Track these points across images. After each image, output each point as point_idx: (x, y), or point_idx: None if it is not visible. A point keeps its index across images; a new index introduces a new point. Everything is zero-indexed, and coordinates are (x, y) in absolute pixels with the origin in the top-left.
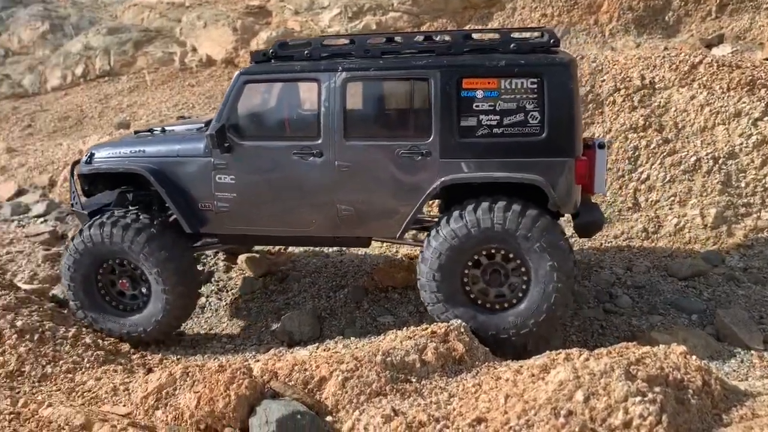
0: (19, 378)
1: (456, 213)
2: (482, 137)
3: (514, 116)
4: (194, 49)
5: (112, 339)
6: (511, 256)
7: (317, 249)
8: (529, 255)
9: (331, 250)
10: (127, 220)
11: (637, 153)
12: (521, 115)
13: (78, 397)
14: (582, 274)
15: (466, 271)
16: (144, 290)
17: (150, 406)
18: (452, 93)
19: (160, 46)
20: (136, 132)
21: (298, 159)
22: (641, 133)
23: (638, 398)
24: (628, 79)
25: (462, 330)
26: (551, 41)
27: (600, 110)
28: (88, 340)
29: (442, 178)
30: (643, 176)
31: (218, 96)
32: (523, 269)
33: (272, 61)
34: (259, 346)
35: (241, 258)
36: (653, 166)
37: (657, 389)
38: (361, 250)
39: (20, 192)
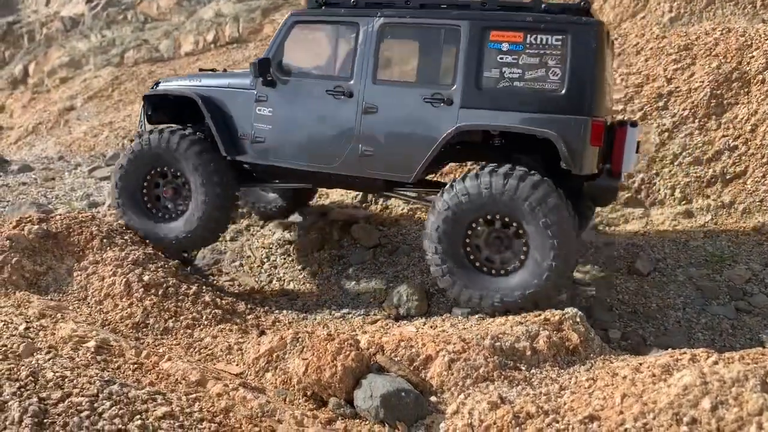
0: (144, 329)
1: (472, 173)
2: (503, 89)
3: (536, 71)
4: None
5: (230, 298)
6: (514, 224)
7: None
8: (531, 227)
9: None
10: (185, 132)
11: None
12: (543, 70)
13: (195, 352)
14: (713, 267)
15: (470, 232)
16: (183, 202)
17: (261, 367)
18: (479, 44)
19: (286, 14)
20: (200, 69)
21: (331, 97)
22: None
23: None
24: None
25: (578, 319)
26: (582, 3)
27: (746, 90)
28: (207, 298)
29: (459, 124)
30: None
31: None
32: (524, 240)
33: (323, 7)
34: (367, 317)
35: (354, 228)
36: None
37: None
38: None
39: None
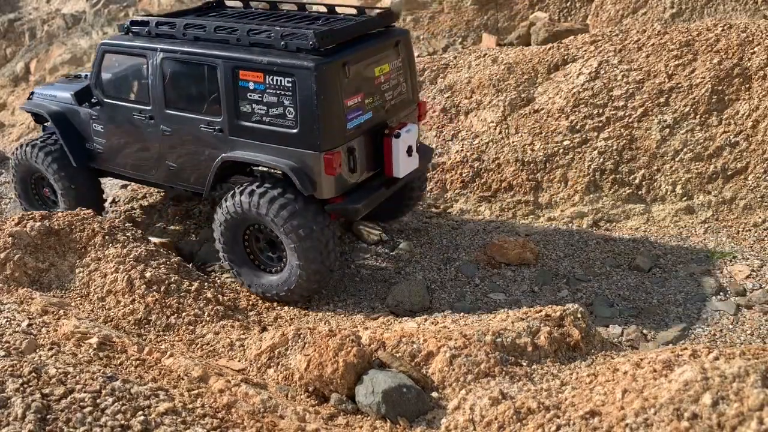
0: (146, 326)
1: (242, 188)
2: (256, 123)
3: (276, 109)
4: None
5: (231, 295)
6: (272, 232)
7: (432, 220)
8: (281, 236)
9: (445, 222)
10: (41, 143)
11: None
12: (281, 108)
13: (197, 348)
14: (714, 263)
15: (247, 233)
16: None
17: (263, 363)
18: (233, 81)
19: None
20: (66, 76)
21: (139, 120)
22: None
23: None
24: None
25: (579, 315)
26: (311, 44)
27: (747, 85)
28: (209, 294)
29: (223, 155)
30: None
31: None
32: (282, 246)
33: (129, 34)
34: (369, 313)
35: (356, 225)
36: None
37: None
38: (477, 223)
39: None
